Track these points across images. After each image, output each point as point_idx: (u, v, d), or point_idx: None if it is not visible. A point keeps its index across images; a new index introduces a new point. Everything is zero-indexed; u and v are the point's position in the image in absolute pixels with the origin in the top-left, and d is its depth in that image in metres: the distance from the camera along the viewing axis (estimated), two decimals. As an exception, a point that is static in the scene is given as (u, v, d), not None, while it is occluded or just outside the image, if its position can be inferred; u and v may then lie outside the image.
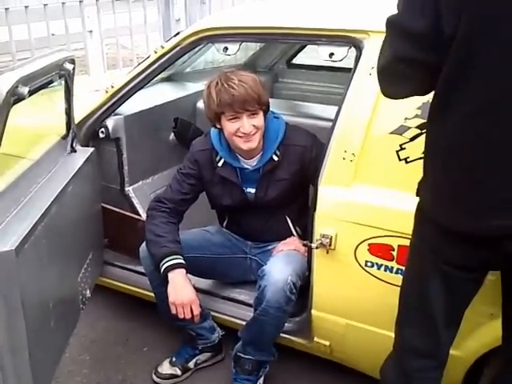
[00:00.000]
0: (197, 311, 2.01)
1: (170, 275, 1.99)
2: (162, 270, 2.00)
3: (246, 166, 2.11)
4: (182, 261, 2.02)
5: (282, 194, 2.09)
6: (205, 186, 2.18)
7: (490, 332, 1.64)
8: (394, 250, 1.75)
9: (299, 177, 2.08)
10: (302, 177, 2.07)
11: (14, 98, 1.50)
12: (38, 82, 1.67)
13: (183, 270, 2.01)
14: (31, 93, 1.58)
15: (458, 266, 1.35)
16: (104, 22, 4.92)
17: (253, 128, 1.97)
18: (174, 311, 2.00)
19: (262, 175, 2.09)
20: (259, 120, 2.00)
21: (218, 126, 2.04)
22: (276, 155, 2.07)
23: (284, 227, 2.18)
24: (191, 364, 2.30)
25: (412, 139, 1.71)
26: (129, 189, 2.60)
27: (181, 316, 1.99)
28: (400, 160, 1.73)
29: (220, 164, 2.11)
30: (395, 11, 1.24)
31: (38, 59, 1.74)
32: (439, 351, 1.51)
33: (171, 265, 1.99)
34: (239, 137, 1.99)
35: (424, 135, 1.66)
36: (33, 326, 1.59)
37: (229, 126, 1.98)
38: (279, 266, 1.95)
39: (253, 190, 2.12)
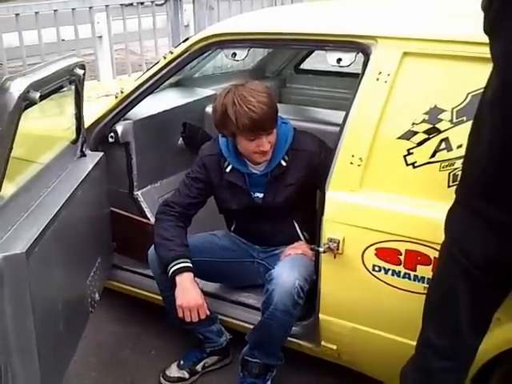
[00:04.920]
0: (203, 315, 2.02)
1: (178, 278, 2.00)
2: (170, 273, 2.01)
3: (254, 171, 2.12)
4: (190, 264, 2.03)
5: (289, 199, 2.10)
6: (213, 191, 2.19)
7: (497, 337, 1.64)
8: (401, 254, 1.75)
9: (307, 182, 2.08)
10: (310, 182, 2.08)
11: (26, 102, 1.51)
12: (48, 87, 1.69)
13: (191, 274, 2.02)
14: (42, 98, 1.59)
15: (483, 267, 1.36)
16: (113, 28, 4.95)
17: (270, 145, 2.00)
18: (180, 314, 2.01)
19: (269, 180, 2.10)
20: (274, 135, 2.02)
21: (229, 138, 2.05)
22: (284, 160, 2.08)
23: (291, 232, 2.19)
24: (199, 367, 2.31)
25: (419, 144, 1.71)
26: (137, 193, 2.62)
27: (188, 319, 2.00)
28: (407, 165, 1.74)
29: (228, 169, 2.12)
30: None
31: (48, 65, 1.76)
32: (462, 354, 1.51)
33: (179, 268, 2.01)
34: (256, 153, 2.01)
35: (430, 140, 1.70)
36: (42, 328, 1.60)
37: (247, 145, 1.99)
38: (287, 270, 1.95)
39: (261, 195, 2.13)
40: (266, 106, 1.92)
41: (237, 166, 2.11)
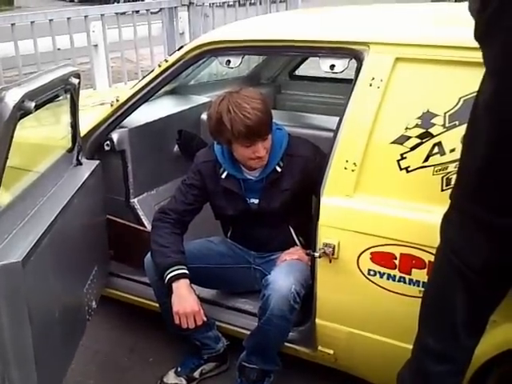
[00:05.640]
0: (200, 321, 2.02)
1: (174, 285, 2.01)
2: (167, 280, 2.02)
3: (249, 177, 2.13)
4: (186, 271, 2.04)
5: (284, 204, 2.11)
6: (209, 197, 2.20)
7: (494, 338, 1.65)
8: (396, 258, 1.76)
9: (302, 187, 2.10)
10: (305, 187, 2.09)
11: (21, 112, 1.52)
12: (44, 97, 1.70)
13: (187, 281, 2.03)
14: (37, 107, 1.60)
15: (475, 268, 1.38)
16: (109, 36, 4.96)
17: (265, 150, 2.01)
18: (177, 321, 2.01)
19: (265, 186, 2.11)
20: (269, 140, 2.03)
21: (225, 145, 2.06)
22: (279, 166, 2.09)
23: (287, 237, 2.19)
24: (196, 374, 2.31)
25: (412, 149, 1.73)
26: (134, 200, 2.62)
27: (184, 326, 2.01)
28: (401, 169, 1.75)
29: (223, 176, 2.13)
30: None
31: (43, 74, 1.77)
32: (459, 356, 1.52)
33: (175, 275, 2.01)
34: (252, 159, 2.02)
35: (423, 145, 1.71)
36: (39, 337, 1.60)
37: (243, 151, 2.00)
38: (283, 276, 1.96)
39: (256, 201, 2.14)
40: (260, 113, 1.93)
41: (232, 172, 2.12)
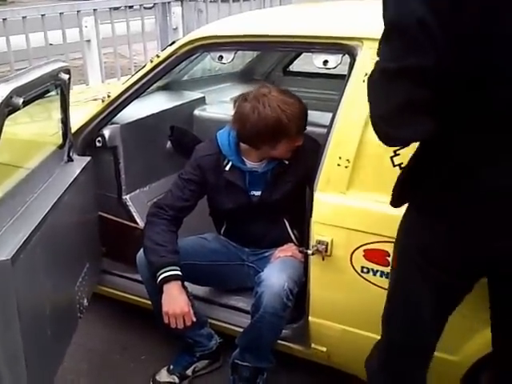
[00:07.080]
0: (189, 322, 2.01)
1: (166, 286, 1.99)
2: (158, 280, 2.00)
3: (254, 169, 2.12)
4: (179, 272, 2.02)
5: (286, 195, 2.11)
6: (208, 192, 2.18)
7: (486, 337, 1.64)
8: (389, 255, 1.74)
9: (303, 179, 2.08)
10: (305, 179, 2.07)
11: (9, 108, 1.50)
12: (32, 93, 1.68)
13: (179, 282, 2.01)
14: (26, 103, 1.58)
15: (444, 268, 1.36)
16: (101, 32, 4.93)
17: None
18: (166, 321, 2.01)
19: (271, 177, 2.11)
20: None
21: (262, 148, 2.04)
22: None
23: (282, 231, 2.19)
24: (189, 371, 2.30)
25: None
26: (126, 197, 2.61)
27: (173, 326, 2.00)
28: (394, 166, 1.74)
29: (227, 168, 2.12)
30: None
31: (32, 70, 1.75)
32: (425, 351, 1.53)
33: (167, 276, 2.00)
34: (290, 151, 2.06)
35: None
36: (30, 335, 1.59)
37: (287, 147, 2.04)
38: (276, 273, 1.95)
39: (258, 193, 2.13)
40: (299, 101, 2.01)
41: (238, 164, 2.11)
